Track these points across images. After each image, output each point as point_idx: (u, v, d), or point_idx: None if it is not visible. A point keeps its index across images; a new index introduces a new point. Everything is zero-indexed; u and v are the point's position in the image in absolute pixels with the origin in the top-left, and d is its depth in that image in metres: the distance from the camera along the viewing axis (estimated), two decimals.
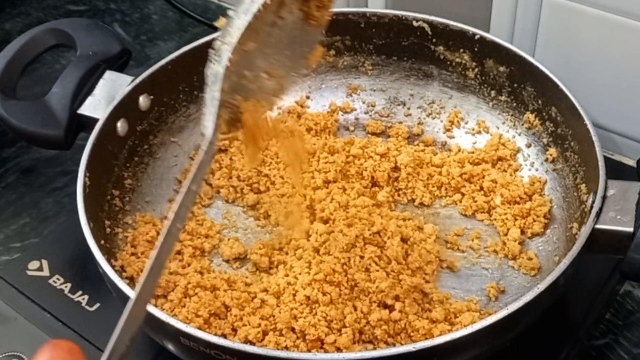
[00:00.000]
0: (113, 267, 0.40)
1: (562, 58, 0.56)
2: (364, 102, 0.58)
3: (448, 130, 0.56)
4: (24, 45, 0.53)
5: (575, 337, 0.45)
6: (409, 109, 0.58)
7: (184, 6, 0.74)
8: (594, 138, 0.45)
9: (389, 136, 0.56)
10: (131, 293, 0.37)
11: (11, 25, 0.77)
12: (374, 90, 0.59)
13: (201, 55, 0.53)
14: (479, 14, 0.58)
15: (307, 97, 0.58)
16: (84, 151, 0.46)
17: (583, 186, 0.46)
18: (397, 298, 0.43)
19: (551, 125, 0.51)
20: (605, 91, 0.55)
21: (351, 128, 0.58)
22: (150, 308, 0.37)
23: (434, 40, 0.55)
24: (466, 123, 0.56)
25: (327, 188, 0.51)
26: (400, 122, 0.57)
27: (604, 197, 0.41)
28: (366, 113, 0.58)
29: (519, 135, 0.53)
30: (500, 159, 0.53)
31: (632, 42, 0.52)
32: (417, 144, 0.55)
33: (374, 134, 0.57)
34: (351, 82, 0.59)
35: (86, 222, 0.41)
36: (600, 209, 0.41)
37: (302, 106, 0.58)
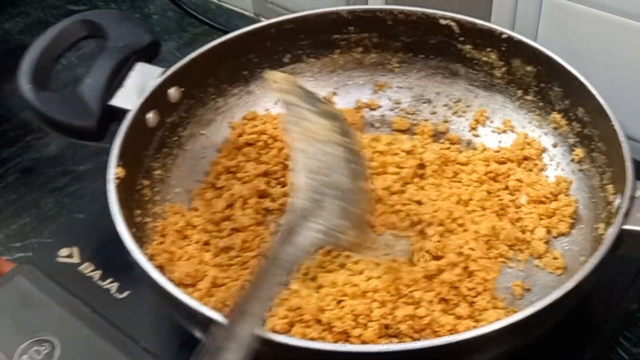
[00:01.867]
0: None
1: (562, 58, 0.55)
2: (389, 100, 0.59)
3: (473, 128, 0.56)
4: (55, 37, 0.53)
5: (599, 338, 0.45)
6: (434, 107, 0.58)
7: (185, 5, 0.74)
8: (622, 139, 0.45)
9: (414, 133, 0.57)
10: (161, 280, 0.38)
11: (11, 25, 0.78)
12: (400, 88, 0.59)
13: (231, 50, 0.55)
14: (478, 13, 0.58)
15: (334, 94, 0.59)
16: (114, 142, 0.46)
17: (610, 187, 0.46)
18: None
19: (578, 125, 0.51)
20: (605, 91, 0.55)
21: (377, 125, 0.58)
22: (181, 296, 0.37)
23: (461, 38, 0.55)
24: (492, 122, 0.56)
25: None
26: (426, 120, 0.57)
27: (632, 198, 0.41)
28: (392, 110, 0.59)
29: (545, 135, 0.54)
30: (525, 158, 0.53)
31: (632, 42, 0.52)
32: (443, 142, 0.56)
33: (399, 131, 0.57)
34: (377, 79, 0.59)
35: (118, 210, 0.42)
36: (628, 210, 0.41)
37: (328, 102, 0.58)
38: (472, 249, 0.45)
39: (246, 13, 0.77)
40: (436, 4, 0.56)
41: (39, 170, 0.60)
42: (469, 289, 0.43)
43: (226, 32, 0.74)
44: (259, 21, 0.77)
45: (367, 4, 0.64)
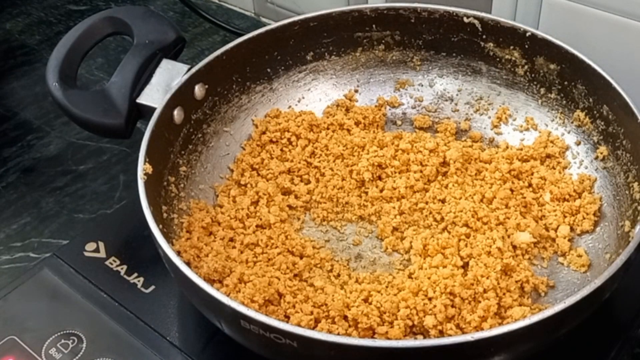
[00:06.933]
0: None
1: None
2: (411, 97, 0.59)
3: (496, 126, 0.56)
4: (82, 34, 0.54)
5: (625, 336, 0.45)
6: (456, 104, 0.58)
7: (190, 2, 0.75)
8: None
9: (436, 131, 0.57)
10: (193, 276, 0.38)
11: (12, 25, 0.79)
12: (422, 86, 0.59)
13: (255, 48, 0.55)
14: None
15: (356, 91, 0.59)
16: (143, 138, 0.47)
17: (636, 184, 0.46)
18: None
19: (602, 123, 0.51)
20: None
21: (398, 122, 0.58)
22: (213, 292, 0.38)
23: (484, 36, 0.55)
24: (514, 120, 0.56)
25: (380, 180, 0.51)
26: (448, 118, 0.58)
27: None
28: (413, 108, 0.59)
29: (568, 133, 0.54)
30: (548, 156, 0.53)
31: (633, 42, 0.52)
32: (465, 140, 0.56)
33: (421, 128, 0.57)
34: (399, 77, 0.59)
35: (147, 205, 0.42)
36: None
37: (350, 100, 0.58)
38: (497, 247, 0.45)
39: (246, 13, 0.78)
40: (437, 0, 0.56)
41: (40, 170, 0.61)
42: (495, 287, 0.43)
43: (229, 30, 0.75)
44: (259, 21, 0.78)
45: (366, 2, 0.64)
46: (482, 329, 0.41)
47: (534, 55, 0.54)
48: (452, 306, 0.42)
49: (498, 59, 0.56)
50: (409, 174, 0.52)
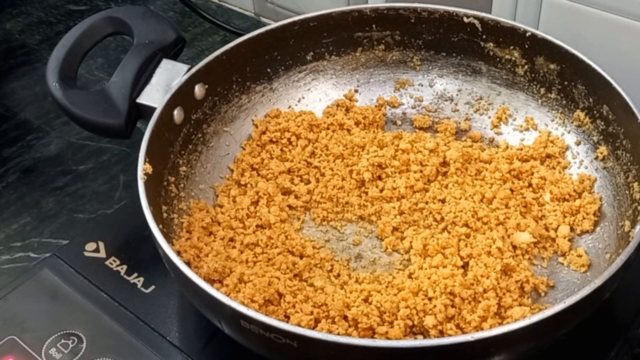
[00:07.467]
0: None
1: None
2: (411, 97, 0.59)
3: (496, 126, 0.56)
4: (82, 34, 0.54)
5: (625, 336, 0.45)
6: (456, 104, 0.58)
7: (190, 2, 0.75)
8: None
9: (436, 131, 0.57)
10: (193, 276, 0.38)
11: (12, 25, 0.79)
12: (422, 86, 0.59)
13: (255, 48, 0.55)
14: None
15: (356, 91, 0.59)
16: (143, 138, 0.47)
17: (636, 184, 0.46)
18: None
19: (602, 123, 0.51)
20: None
21: (398, 122, 0.58)
22: (214, 292, 0.38)
23: (484, 36, 0.55)
24: (514, 120, 0.56)
25: (380, 180, 0.51)
26: (448, 118, 0.58)
27: None
28: (413, 108, 0.59)
29: (568, 132, 0.54)
30: (548, 156, 0.53)
31: (633, 42, 0.52)
32: (465, 140, 0.56)
33: (421, 128, 0.57)
34: (399, 77, 0.59)
35: (147, 205, 0.42)
36: None
37: (350, 100, 0.58)
38: (497, 247, 0.45)
39: (247, 13, 0.78)
40: (437, 0, 0.56)
41: (40, 170, 0.61)
42: (495, 287, 0.43)
43: (229, 30, 0.75)
44: (259, 21, 0.78)
45: (366, 2, 0.64)
46: (482, 329, 0.42)
47: (534, 55, 0.54)
48: (452, 306, 0.42)
49: (498, 59, 0.56)
50: (409, 174, 0.52)
